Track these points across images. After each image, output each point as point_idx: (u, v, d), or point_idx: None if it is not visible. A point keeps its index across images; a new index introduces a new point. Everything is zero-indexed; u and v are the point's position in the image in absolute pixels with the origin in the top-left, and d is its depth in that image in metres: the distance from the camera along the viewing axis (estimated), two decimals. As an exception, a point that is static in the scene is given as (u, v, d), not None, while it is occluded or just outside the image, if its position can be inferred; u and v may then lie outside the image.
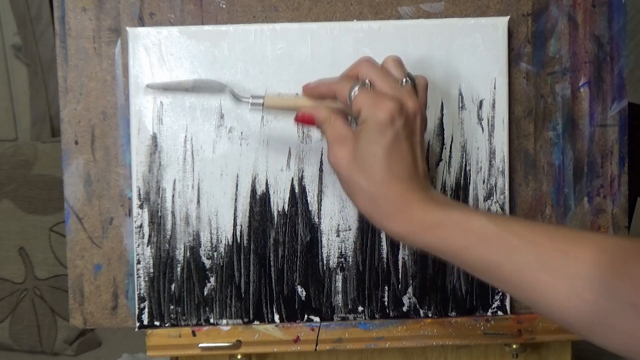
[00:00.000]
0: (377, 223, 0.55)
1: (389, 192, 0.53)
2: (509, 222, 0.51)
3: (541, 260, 0.46)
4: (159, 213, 0.68)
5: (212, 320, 0.69)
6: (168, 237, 0.69)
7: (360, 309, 0.69)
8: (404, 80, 0.57)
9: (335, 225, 0.69)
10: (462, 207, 0.56)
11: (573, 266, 0.45)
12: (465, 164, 0.69)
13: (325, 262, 0.69)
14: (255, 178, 0.68)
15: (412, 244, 0.57)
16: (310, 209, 0.69)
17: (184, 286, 0.69)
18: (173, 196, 0.68)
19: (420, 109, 0.56)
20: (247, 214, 0.69)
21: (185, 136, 0.68)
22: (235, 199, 0.68)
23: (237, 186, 0.68)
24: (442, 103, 0.68)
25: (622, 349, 0.44)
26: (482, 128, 0.68)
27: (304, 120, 0.60)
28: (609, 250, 0.44)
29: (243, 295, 0.69)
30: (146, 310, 0.69)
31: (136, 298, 0.69)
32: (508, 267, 0.48)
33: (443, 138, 0.68)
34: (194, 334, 0.69)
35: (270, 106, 0.63)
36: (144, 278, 0.69)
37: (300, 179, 0.68)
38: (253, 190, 0.68)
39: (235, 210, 0.68)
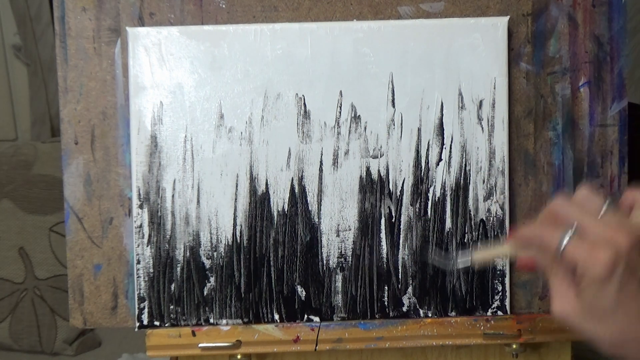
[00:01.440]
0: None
1: (633, 332, 0.51)
2: None
3: None
4: (159, 213, 0.68)
5: (212, 320, 0.69)
6: (168, 237, 0.69)
7: (360, 308, 0.69)
8: (606, 206, 0.52)
9: (335, 225, 0.69)
10: None
11: None
12: (465, 164, 0.69)
13: (325, 262, 0.69)
14: (255, 178, 0.68)
15: None
16: (310, 209, 0.69)
17: (184, 286, 0.69)
18: (173, 196, 0.68)
19: (634, 244, 0.50)
20: (247, 214, 0.69)
21: (185, 136, 0.68)
22: (235, 199, 0.68)
23: (236, 186, 0.68)
24: (442, 103, 0.68)
25: None
26: (482, 128, 0.68)
27: (526, 266, 0.56)
28: None
29: (243, 295, 0.69)
30: (146, 310, 0.69)
31: (136, 298, 0.69)
32: None
33: (443, 138, 0.68)
34: (193, 334, 0.69)
35: (479, 260, 0.61)
36: (143, 278, 0.69)
37: (300, 179, 0.68)
38: (253, 190, 0.68)
39: (235, 210, 0.68)
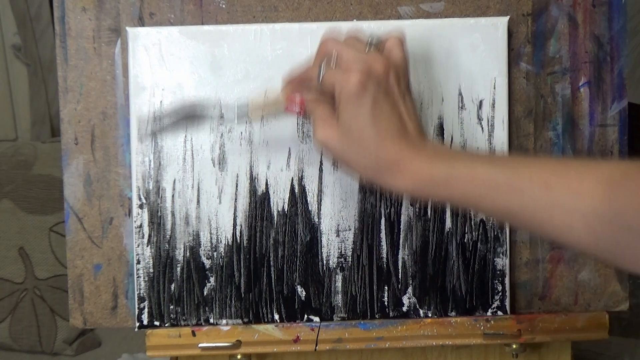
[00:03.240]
0: (383, 183, 0.55)
1: (387, 153, 0.53)
2: (515, 164, 0.51)
3: (552, 201, 0.47)
4: (159, 213, 0.68)
5: (212, 320, 0.69)
6: (168, 237, 0.69)
7: (360, 308, 0.69)
8: (368, 44, 0.57)
9: (335, 225, 0.69)
10: (466, 156, 0.56)
11: (582, 203, 0.46)
12: (465, 164, 0.69)
13: (325, 262, 0.69)
14: (255, 178, 0.68)
15: (422, 198, 0.58)
16: (310, 209, 0.69)
17: (184, 286, 0.69)
18: (173, 196, 0.68)
19: (388, 66, 0.55)
20: (247, 214, 0.69)
21: (185, 136, 0.68)
22: (235, 199, 0.68)
23: (237, 186, 0.68)
24: (442, 103, 0.68)
25: (634, 267, 0.46)
26: (482, 128, 0.68)
27: (294, 104, 0.59)
28: (612, 179, 0.45)
29: (243, 295, 0.69)
30: (146, 310, 0.69)
31: (136, 298, 0.69)
32: (521, 210, 0.49)
33: (443, 138, 0.68)
34: (193, 334, 0.69)
35: (255, 107, 0.62)
36: (143, 278, 0.69)
37: (300, 179, 0.68)
38: (253, 190, 0.68)
39: (235, 210, 0.68)
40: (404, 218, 0.69)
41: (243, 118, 0.63)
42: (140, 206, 0.68)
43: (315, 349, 0.70)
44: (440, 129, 0.68)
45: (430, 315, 0.70)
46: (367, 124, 0.53)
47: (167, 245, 0.69)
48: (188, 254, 0.69)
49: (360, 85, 0.53)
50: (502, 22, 0.68)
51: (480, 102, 0.68)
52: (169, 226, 0.68)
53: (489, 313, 0.70)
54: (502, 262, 0.69)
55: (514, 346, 0.71)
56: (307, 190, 0.69)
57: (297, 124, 0.68)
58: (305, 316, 0.69)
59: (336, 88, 0.54)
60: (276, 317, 0.69)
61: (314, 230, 0.69)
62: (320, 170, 0.68)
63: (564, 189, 0.47)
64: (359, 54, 0.55)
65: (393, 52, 0.57)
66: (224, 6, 0.69)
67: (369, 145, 0.53)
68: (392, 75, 0.55)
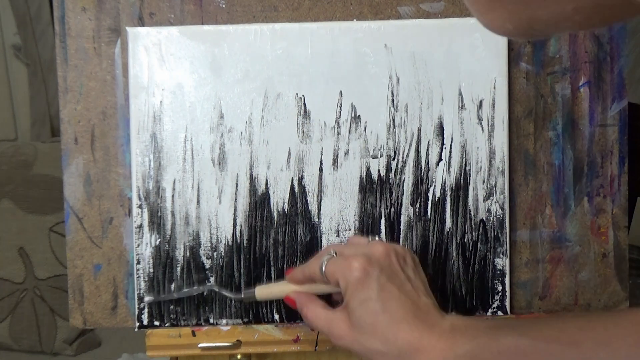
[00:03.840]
0: None
1: (404, 338, 0.52)
2: (539, 326, 0.50)
3: (584, 358, 0.47)
4: (159, 213, 0.68)
5: (211, 320, 0.69)
6: (168, 237, 0.69)
7: (360, 309, 0.69)
8: (369, 239, 0.59)
9: (335, 225, 0.69)
10: (487, 327, 0.53)
11: (616, 354, 0.46)
12: (465, 164, 0.69)
13: (325, 262, 0.69)
14: (255, 178, 0.68)
15: None
16: (310, 209, 0.69)
17: (184, 286, 0.69)
18: (173, 196, 0.68)
19: (388, 249, 0.56)
20: (247, 214, 0.69)
21: (185, 136, 0.68)
22: (235, 199, 0.68)
23: (236, 186, 0.68)
24: (442, 103, 0.68)
25: None
26: (482, 128, 0.68)
27: (290, 303, 0.62)
28: None
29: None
30: (146, 310, 0.69)
31: (136, 298, 0.69)
32: None
33: (443, 138, 0.68)
34: (193, 334, 0.69)
35: (262, 297, 0.65)
36: (143, 278, 0.69)
37: (300, 179, 0.68)
38: (253, 190, 0.68)
39: (235, 210, 0.68)
40: (404, 218, 0.69)
41: (251, 299, 0.66)
42: (140, 206, 0.68)
43: (315, 349, 0.70)
44: (440, 129, 0.68)
45: (430, 315, 0.70)
46: (378, 310, 0.52)
47: (167, 245, 0.69)
48: (188, 254, 0.69)
49: (363, 270, 0.53)
50: (502, 22, 0.68)
51: (480, 102, 0.68)
52: (169, 226, 0.68)
53: (489, 313, 0.70)
54: (502, 262, 0.69)
55: (514, 346, 0.71)
56: (307, 190, 0.69)
57: (297, 124, 0.68)
58: (305, 316, 0.69)
59: (339, 280, 0.55)
60: (276, 317, 0.69)
61: (314, 230, 0.69)
62: (320, 170, 0.68)
63: (595, 346, 0.46)
64: (360, 247, 0.57)
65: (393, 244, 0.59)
66: (224, 6, 0.69)
67: (384, 332, 0.52)
68: (393, 257, 0.56)
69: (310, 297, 0.60)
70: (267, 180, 0.68)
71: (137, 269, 0.68)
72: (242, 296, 0.66)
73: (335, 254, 0.58)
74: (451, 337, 0.51)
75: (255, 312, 0.69)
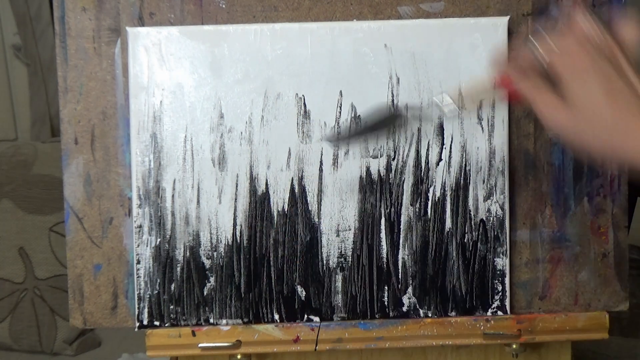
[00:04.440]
0: (628, 154, 0.52)
1: (627, 125, 0.52)
2: None
3: None
4: (159, 213, 0.68)
5: (211, 320, 0.69)
6: (168, 237, 0.69)
7: (360, 308, 0.69)
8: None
9: (335, 225, 0.69)
10: None
11: None
12: (465, 164, 0.69)
13: (325, 262, 0.69)
14: (255, 178, 0.68)
15: None
16: (310, 209, 0.69)
17: (184, 286, 0.69)
18: (173, 196, 0.68)
19: (613, 43, 0.54)
20: (247, 214, 0.69)
21: (185, 136, 0.68)
22: (235, 199, 0.68)
23: (236, 186, 0.68)
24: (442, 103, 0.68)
25: None
26: (482, 128, 0.68)
27: (506, 84, 0.58)
28: None
29: (243, 295, 0.69)
30: (146, 310, 0.69)
31: (136, 298, 0.69)
32: None
33: (443, 138, 0.68)
34: (193, 334, 0.69)
35: (468, 97, 0.61)
36: (143, 278, 0.69)
37: (300, 179, 0.68)
38: (253, 190, 0.68)
39: (235, 210, 0.68)
40: (404, 218, 0.69)
41: (454, 112, 0.61)
42: (140, 206, 0.68)
43: (315, 349, 0.70)
44: (440, 129, 0.68)
45: (430, 315, 0.70)
46: (602, 96, 0.52)
47: (167, 245, 0.69)
48: (188, 254, 0.69)
49: (590, 60, 0.52)
50: (502, 22, 0.68)
51: (480, 102, 0.68)
52: (169, 226, 0.68)
53: (489, 313, 0.70)
54: (502, 262, 0.69)
55: (514, 346, 0.71)
56: (307, 190, 0.69)
57: (297, 123, 0.68)
58: (305, 316, 0.69)
59: (561, 68, 0.54)
60: (276, 317, 0.69)
61: (314, 230, 0.69)
62: (320, 170, 0.68)
63: None
64: (580, 35, 0.54)
65: (619, 31, 0.56)
66: (224, 6, 0.69)
67: (605, 120, 0.52)
68: (619, 51, 0.54)
69: (540, 79, 0.56)
70: (267, 180, 0.68)
71: (137, 269, 0.68)
72: (443, 108, 0.60)
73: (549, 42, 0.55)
74: None
75: (255, 312, 0.69)
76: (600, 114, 0.53)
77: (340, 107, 0.68)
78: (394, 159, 0.68)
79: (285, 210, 0.69)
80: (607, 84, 0.53)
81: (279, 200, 0.69)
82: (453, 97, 0.60)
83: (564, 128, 0.54)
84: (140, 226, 0.68)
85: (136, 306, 0.69)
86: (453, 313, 0.70)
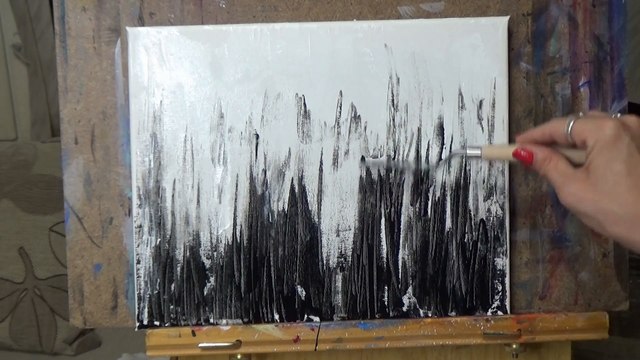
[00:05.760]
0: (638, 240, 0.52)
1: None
2: None
3: None
4: (159, 213, 0.68)
5: (212, 320, 0.69)
6: (168, 237, 0.69)
7: (360, 308, 0.69)
8: (616, 115, 0.57)
9: (335, 225, 0.69)
10: None
11: None
12: (465, 164, 0.69)
13: (325, 262, 0.69)
14: (255, 178, 0.68)
15: None
16: (310, 208, 0.69)
17: (184, 286, 0.69)
18: (173, 196, 0.68)
19: (638, 122, 0.55)
20: (247, 214, 0.69)
21: (185, 136, 0.68)
22: (235, 199, 0.68)
23: (236, 186, 0.68)
24: (442, 103, 0.68)
25: None
26: (482, 128, 0.68)
27: (521, 156, 0.59)
28: None
29: (243, 295, 0.69)
30: (146, 310, 0.69)
31: (136, 298, 0.69)
32: None
33: (443, 138, 0.68)
34: (193, 333, 0.69)
35: (489, 156, 0.63)
36: (143, 278, 0.69)
37: (300, 179, 0.68)
38: (253, 190, 0.68)
39: (235, 210, 0.68)
40: (404, 218, 0.69)
41: (475, 158, 0.64)
42: (140, 206, 0.68)
43: (315, 349, 0.70)
44: (440, 129, 0.68)
45: (430, 315, 0.70)
46: (622, 172, 0.52)
47: (167, 245, 0.69)
48: (188, 253, 0.69)
49: (617, 131, 0.52)
50: (502, 22, 0.68)
51: (480, 102, 0.68)
52: (169, 226, 0.68)
53: (489, 313, 0.70)
54: (502, 262, 0.69)
55: (514, 346, 0.71)
56: (307, 190, 0.69)
57: (297, 123, 0.68)
58: (305, 316, 0.69)
59: (587, 138, 0.54)
60: (276, 317, 0.69)
61: (314, 230, 0.69)
62: (320, 170, 0.68)
63: None
64: (608, 113, 0.57)
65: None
66: (224, 6, 0.69)
67: (623, 195, 0.52)
68: None
69: (554, 150, 0.58)
70: (267, 180, 0.68)
71: (137, 269, 0.68)
72: (467, 152, 0.63)
73: (582, 114, 0.56)
74: None
75: (255, 312, 0.69)
76: (619, 188, 0.52)
77: (340, 107, 0.68)
78: (394, 159, 0.68)
79: (285, 210, 0.69)
80: (630, 157, 0.52)
81: (279, 200, 0.69)
82: (484, 150, 0.63)
83: (581, 198, 0.54)
84: (140, 226, 0.68)
85: (136, 306, 0.69)
86: (453, 313, 0.70)
